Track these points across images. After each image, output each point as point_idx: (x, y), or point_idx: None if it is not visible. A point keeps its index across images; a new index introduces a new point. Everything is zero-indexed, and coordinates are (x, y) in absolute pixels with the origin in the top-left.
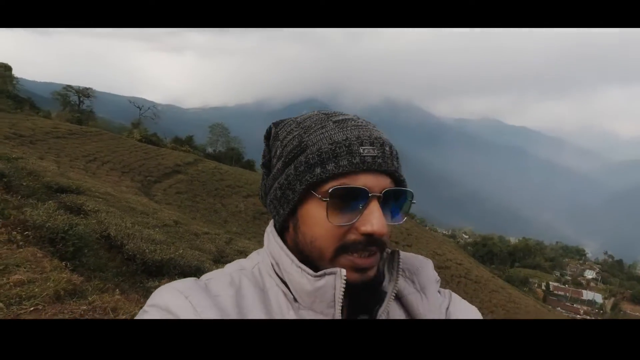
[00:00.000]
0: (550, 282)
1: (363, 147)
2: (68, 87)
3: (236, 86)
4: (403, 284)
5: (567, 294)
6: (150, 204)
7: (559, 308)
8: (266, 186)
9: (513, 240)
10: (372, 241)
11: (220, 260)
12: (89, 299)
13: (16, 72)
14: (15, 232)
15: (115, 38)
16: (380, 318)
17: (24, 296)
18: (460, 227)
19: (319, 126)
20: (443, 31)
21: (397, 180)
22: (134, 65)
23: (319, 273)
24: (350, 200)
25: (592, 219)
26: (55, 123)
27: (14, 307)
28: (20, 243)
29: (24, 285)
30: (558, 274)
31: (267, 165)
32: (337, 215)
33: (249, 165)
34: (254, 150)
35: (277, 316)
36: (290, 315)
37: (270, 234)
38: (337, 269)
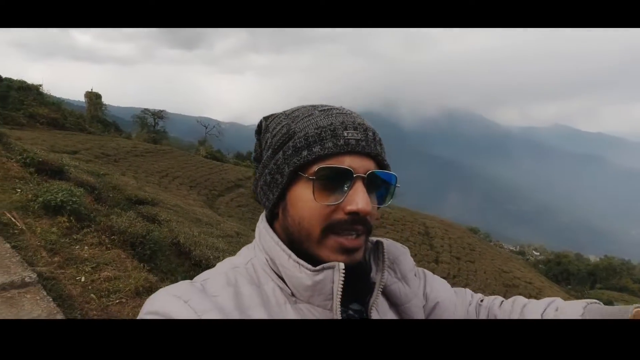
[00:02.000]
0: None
1: (347, 131)
2: (145, 111)
3: (294, 102)
4: (386, 274)
5: None
6: (214, 216)
7: None
8: (257, 178)
9: (593, 258)
10: (357, 220)
11: None
12: None
13: (104, 100)
14: (104, 236)
15: (184, 64)
16: (371, 308)
17: (111, 290)
18: (529, 243)
19: (306, 115)
20: (503, 34)
21: (381, 164)
22: (201, 88)
23: (318, 268)
24: (335, 181)
25: None
26: (134, 143)
27: (104, 299)
28: (108, 245)
29: (111, 280)
30: None
31: (258, 158)
32: (323, 195)
33: None
34: None
35: (276, 311)
36: (287, 309)
37: (262, 229)
38: (335, 263)
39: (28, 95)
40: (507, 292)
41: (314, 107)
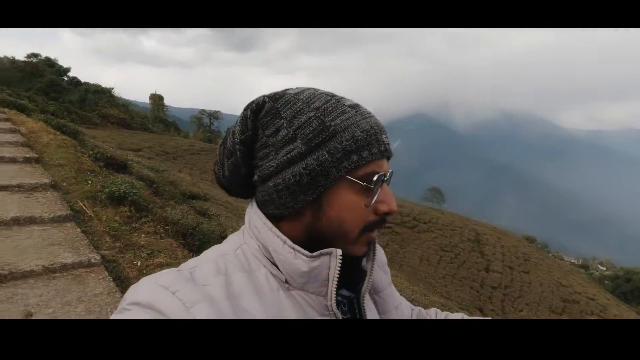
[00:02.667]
0: None
1: (383, 136)
2: (202, 112)
3: None
4: (376, 263)
5: None
6: None
7: None
8: (259, 168)
9: None
10: (385, 219)
11: None
12: None
13: (166, 101)
14: (159, 226)
15: (238, 66)
16: (364, 294)
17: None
18: (594, 256)
19: (339, 111)
20: (561, 30)
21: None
22: (254, 89)
23: (315, 254)
24: (375, 185)
25: None
26: (191, 142)
27: None
28: (162, 234)
29: (163, 266)
30: None
31: (247, 142)
32: (366, 198)
33: None
34: None
35: (269, 298)
36: (281, 296)
37: (253, 214)
38: (333, 249)
39: (102, 97)
40: (565, 307)
41: (335, 98)
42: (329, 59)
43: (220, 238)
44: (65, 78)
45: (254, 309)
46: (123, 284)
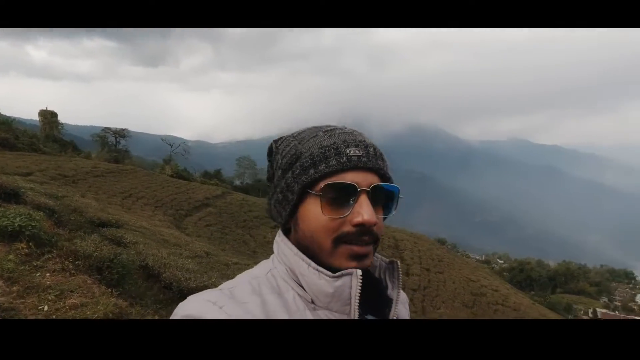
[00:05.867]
0: (598, 309)
1: (349, 149)
2: (106, 129)
3: (261, 120)
4: (402, 292)
5: None
6: (182, 237)
7: None
8: (270, 197)
9: (553, 264)
10: (364, 231)
11: None
12: None
13: (61, 118)
14: (67, 262)
15: (148, 81)
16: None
17: (78, 318)
18: (494, 252)
19: (312, 136)
20: (466, 53)
21: (384, 177)
22: (166, 106)
23: (337, 274)
24: (341, 196)
25: None
26: (94, 163)
27: None
28: (72, 271)
29: (78, 308)
30: (606, 299)
31: (270, 179)
32: (330, 209)
33: None
34: None
35: (297, 317)
36: (307, 315)
37: (280, 242)
38: (353, 270)
39: None
40: (475, 300)
41: (319, 128)
42: (245, 77)
43: (142, 268)
44: None
45: None
46: None
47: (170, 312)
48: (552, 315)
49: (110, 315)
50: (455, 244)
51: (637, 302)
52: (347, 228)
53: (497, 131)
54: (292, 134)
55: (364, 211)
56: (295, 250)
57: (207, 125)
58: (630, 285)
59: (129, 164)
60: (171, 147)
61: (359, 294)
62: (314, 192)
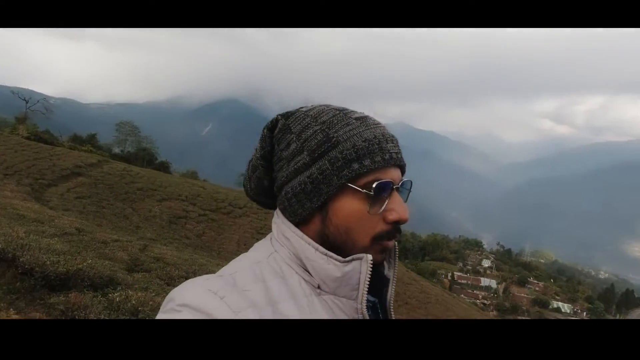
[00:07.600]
0: (455, 272)
1: (389, 144)
2: None
3: (145, 82)
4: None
5: (469, 282)
6: (44, 211)
7: (462, 295)
8: (276, 179)
9: (424, 236)
10: (398, 228)
11: (135, 269)
12: None
13: None
14: None
15: None
16: (390, 300)
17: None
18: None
19: (343, 123)
20: (363, 35)
21: (403, 172)
22: (20, 51)
23: (347, 259)
24: (380, 192)
25: (488, 214)
26: None
27: None
28: None
29: None
30: (461, 264)
31: (267, 157)
32: (371, 206)
33: (164, 167)
34: (169, 150)
35: (303, 302)
36: (313, 300)
37: (282, 224)
38: (364, 255)
39: None
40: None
41: (343, 112)
42: (128, 30)
43: None
44: None
45: (292, 313)
46: None
47: (32, 302)
48: (420, 279)
49: None
50: None
51: (483, 265)
52: (384, 226)
53: (387, 115)
54: (304, 111)
55: (400, 208)
56: (300, 233)
57: (77, 81)
58: (479, 252)
59: None
60: (27, 102)
61: (369, 279)
62: (356, 187)
